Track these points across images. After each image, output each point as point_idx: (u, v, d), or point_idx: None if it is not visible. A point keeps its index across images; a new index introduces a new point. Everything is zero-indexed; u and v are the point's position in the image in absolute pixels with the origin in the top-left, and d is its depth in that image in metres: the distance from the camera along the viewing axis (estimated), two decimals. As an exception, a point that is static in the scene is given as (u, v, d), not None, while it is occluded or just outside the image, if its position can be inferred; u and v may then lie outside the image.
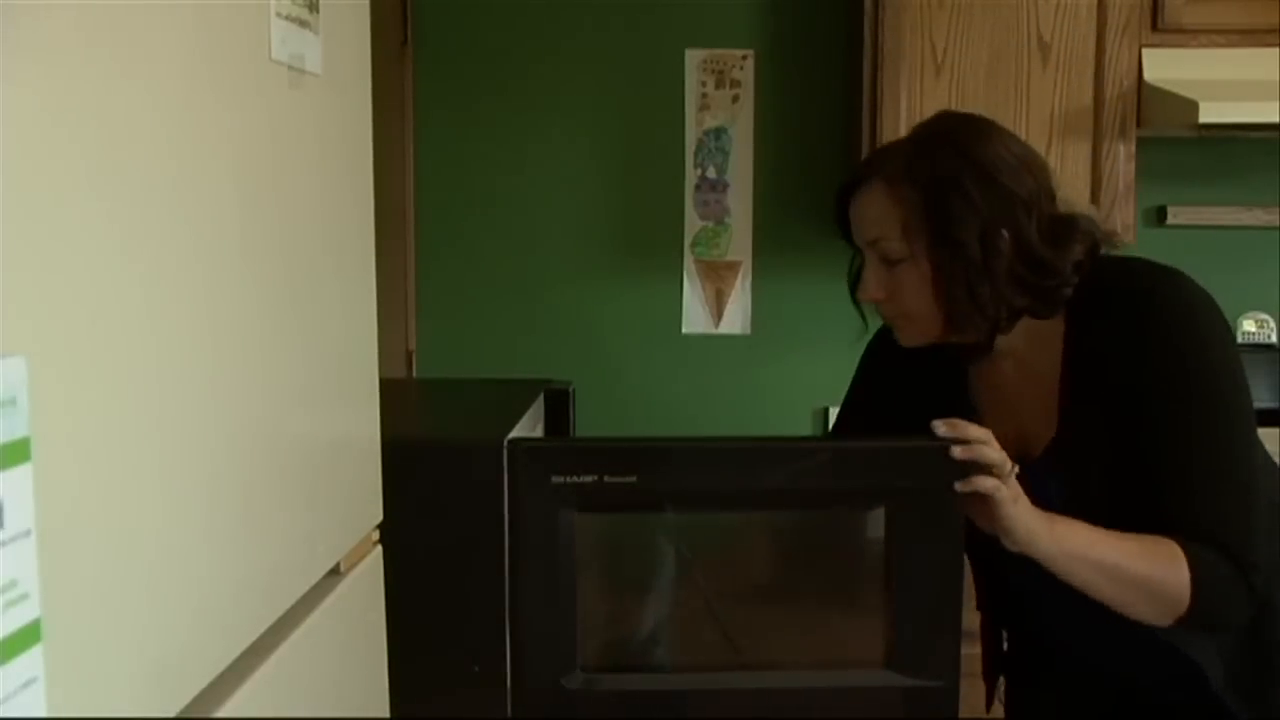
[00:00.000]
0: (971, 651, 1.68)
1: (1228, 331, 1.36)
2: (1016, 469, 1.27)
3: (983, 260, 1.30)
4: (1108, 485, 1.34)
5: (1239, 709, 1.38)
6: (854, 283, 1.46)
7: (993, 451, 1.25)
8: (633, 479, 1.34)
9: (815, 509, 1.40)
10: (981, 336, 1.35)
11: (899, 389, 1.52)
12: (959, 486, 1.26)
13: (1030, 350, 1.39)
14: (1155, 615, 1.30)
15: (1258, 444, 1.37)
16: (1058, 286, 1.33)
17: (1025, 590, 1.49)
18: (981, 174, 1.31)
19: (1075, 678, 1.55)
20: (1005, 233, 1.30)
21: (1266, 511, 1.33)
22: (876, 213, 1.35)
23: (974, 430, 1.26)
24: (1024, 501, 1.26)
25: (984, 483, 1.24)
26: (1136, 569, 1.28)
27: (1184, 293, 1.33)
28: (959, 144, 1.33)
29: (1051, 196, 1.35)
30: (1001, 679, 1.65)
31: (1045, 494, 1.31)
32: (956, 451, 1.25)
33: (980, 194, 1.30)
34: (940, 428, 1.26)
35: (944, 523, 1.32)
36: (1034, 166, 1.35)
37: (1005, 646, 1.64)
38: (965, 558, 1.52)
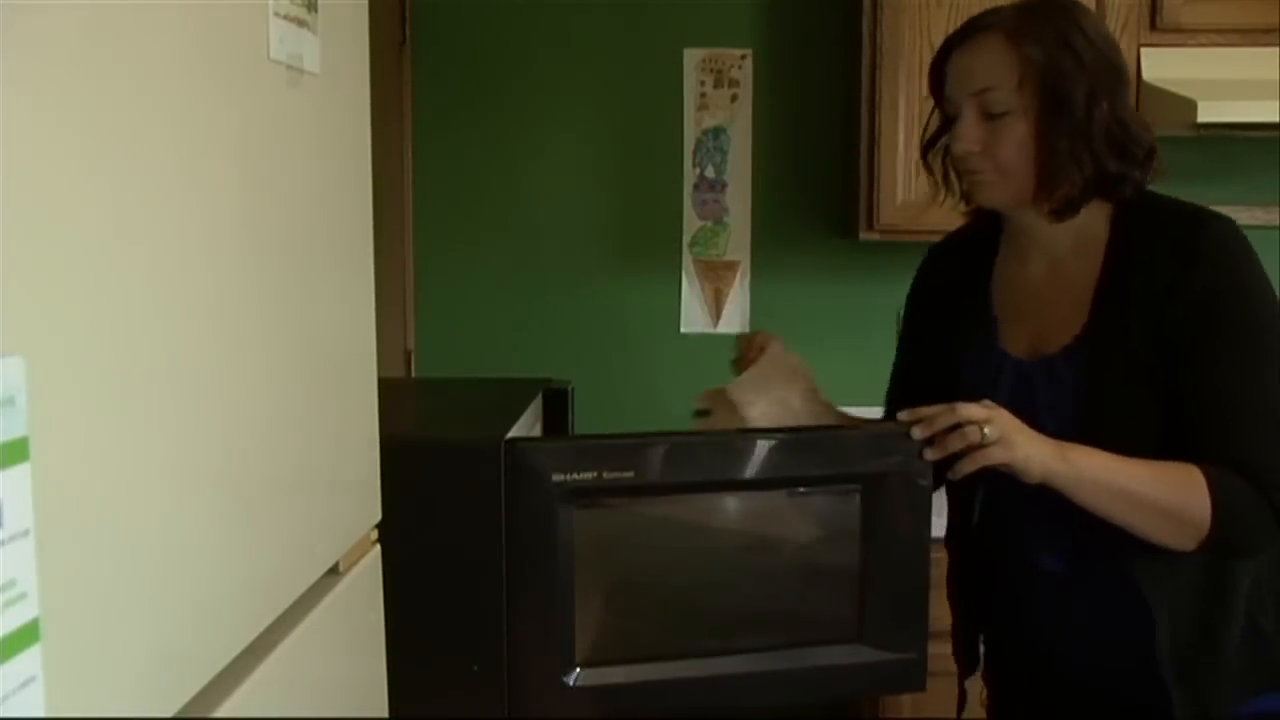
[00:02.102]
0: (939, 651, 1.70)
1: (1266, 276, 1.40)
2: (990, 420, 1.30)
3: (1085, 120, 1.36)
4: (1122, 385, 1.36)
5: (1171, 683, 1.38)
6: (928, 142, 1.51)
7: (954, 415, 1.30)
8: (630, 474, 1.38)
9: (797, 495, 1.46)
10: (1073, 194, 1.38)
11: (932, 307, 1.61)
12: (928, 455, 1.33)
13: (1073, 253, 1.43)
14: (1177, 539, 1.32)
15: None
16: (1145, 159, 1.39)
17: (1006, 575, 1.54)
18: (1089, 42, 1.38)
19: (1051, 677, 1.55)
20: (1104, 100, 1.36)
21: None
22: (992, 62, 1.38)
23: (928, 410, 1.33)
24: (1023, 436, 1.30)
25: (953, 442, 1.30)
26: (1156, 492, 1.31)
27: (1234, 231, 1.38)
28: (1071, 13, 1.40)
29: (1129, 84, 1.44)
30: (981, 685, 1.68)
31: (1057, 386, 1.37)
32: (915, 432, 1.33)
33: (1090, 59, 1.36)
34: (901, 415, 1.35)
35: (913, 503, 1.40)
36: (1120, 52, 1.44)
37: (982, 649, 1.66)
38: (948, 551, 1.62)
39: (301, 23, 0.91)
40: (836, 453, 1.44)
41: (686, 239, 2.93)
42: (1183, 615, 1.38)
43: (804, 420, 1.59)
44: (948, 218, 2.59)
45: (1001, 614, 1.60)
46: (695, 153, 2.91)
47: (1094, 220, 1.42)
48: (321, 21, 0.96)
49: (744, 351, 1.64)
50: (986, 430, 1.28)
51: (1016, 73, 1.37)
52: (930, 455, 1.33)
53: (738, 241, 2.93)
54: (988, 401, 1.32)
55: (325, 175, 1.01)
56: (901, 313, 1.73)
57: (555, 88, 2.90)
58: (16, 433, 0.54)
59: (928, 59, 2.55)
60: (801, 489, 1.45)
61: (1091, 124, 1.36)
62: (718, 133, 2.91)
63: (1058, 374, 1.40)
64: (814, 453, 1.43)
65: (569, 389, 2.11)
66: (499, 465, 1.49)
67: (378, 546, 1.17)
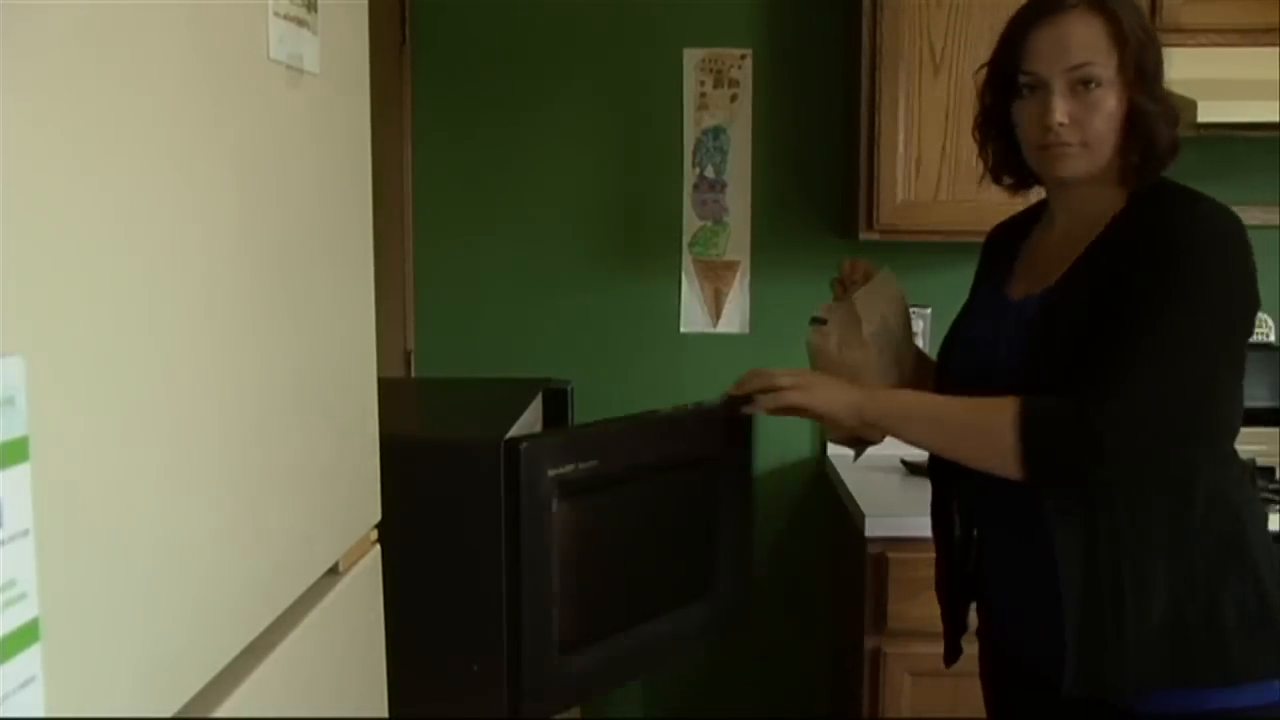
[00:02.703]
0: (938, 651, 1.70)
1: (1242, 270, 1.45)
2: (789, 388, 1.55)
3: (1161, 91, 1.48)
4: (1068, 328, 1.44)
5: (1079, 662, 1.42)
6: (987, 115, 1.58)
7: (746, 383, 1.59)
8: (595, 463, 1.49)
9: (676, 472, 1.66)
10: (1156, 158, 1.48)
11: (985, 266, 1.74)
12: (745, 409, 1.59)
13: (1089, 223, 1.51)
14: (987, 460, 1.44)
15: (1227, 366, 1.46)
16: (1177, 145, 1.51)
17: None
18: (1149, 22, 1.54)
19: (1025, 676, 1.58)
20: (1162, 73, 1.49)
21: (1182, 405, 1.41)
22: (1087, 37, 1.45)
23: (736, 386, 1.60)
24: (824, 387, 1.55)
25: (751, 383, 1.58)
26: (958, 415, 1.48)
27: (1225, 217, 1.46)
28: (1135, 3, 1.53)
29: None
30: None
31: (1022, 321, 1.50)
32: (731, 389, 1.61)
33: (1154, 36, 1.50)
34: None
35: (737, 475, 1.72)
36: None
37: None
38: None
39: (301, 23, 0.91)
40: (686, 435, 1.66)
41: (686, 239, 2.93)
42: (1093, 592, 1.42)
43: (900, 341, 1.75)
44: (947, 218, 2.60)
45: (982, 612, 1.67)
46: (695, 153, 2.91)
47: (1116, 199, 1.50)
48: (321, 21, 0.96)
49: (847, 274, 1.77)
50: (781, 380, 1.55)
51: (1111, 47, 1.44)
52: (746, 409, 1.59)
53: (737, 241, 2.93)
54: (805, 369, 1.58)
55: (325, 175, 1.01)
56: None
57: (555, 88, 2.90)
58: (16, 433, 0.54)
59: (928, 59, 2.59)
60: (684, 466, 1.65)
61: (1165, 104, 1.48)
62: (717, 133, 2.91)
63: (1026, 312, 1.51)
64: (673, 433, 1.65)
65: (569, 389, 2.10)
66: (499, 465, 1.49)
67: (378, 546, 1.17)
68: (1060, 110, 1.44)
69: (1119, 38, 1.44)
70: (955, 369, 1.62)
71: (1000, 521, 1.57)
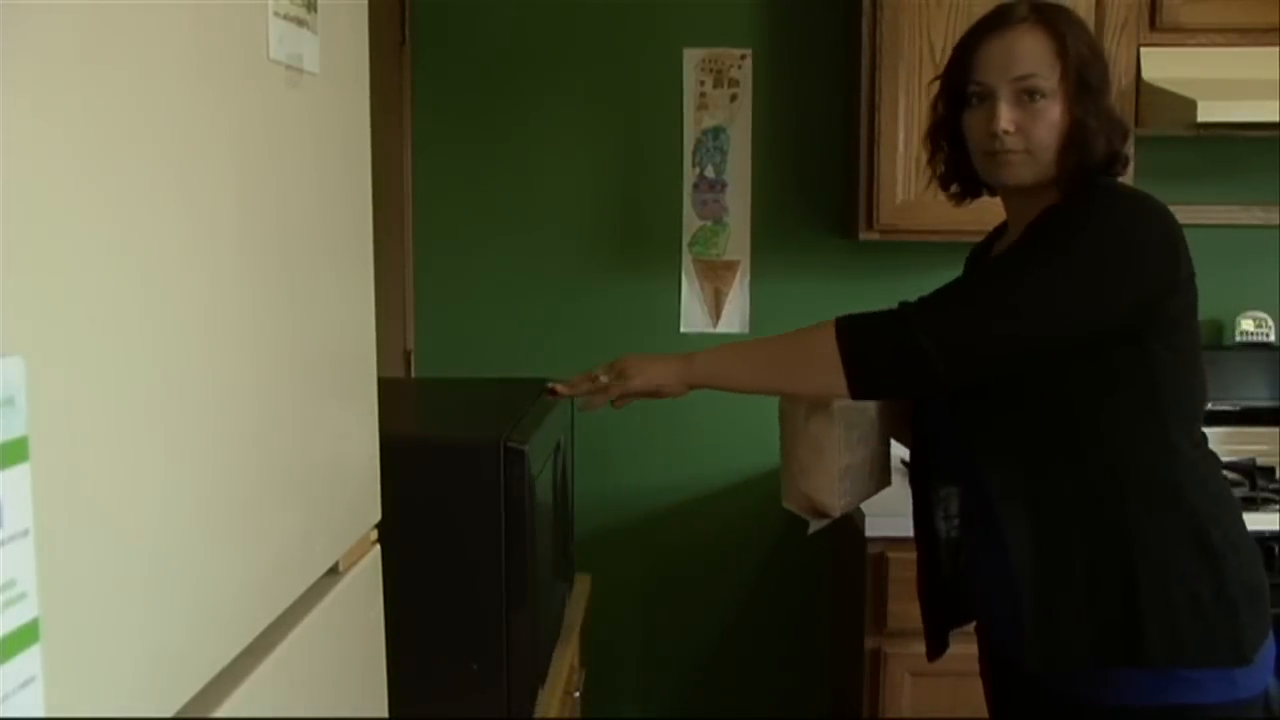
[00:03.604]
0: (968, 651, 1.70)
1: (1130, 236, 1.48)
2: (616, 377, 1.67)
3: (1103, 104, 1.53)
4: None
5: (1037, 641, 1.48)
6: (938, 125, 1.64)
7: (585, 375, 1.73)
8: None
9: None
10: (1091, 166, 1.52)
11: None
12: (582, 407, 1.76)
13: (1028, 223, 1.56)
14: (817, 379, 1.55)
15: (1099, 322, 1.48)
16: (1124, 140, 1.56)
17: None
18: (1094, 40, 1.59)
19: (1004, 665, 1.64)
20: (1108, 88, 1.55)
21: (1010, 325, 1.47)
22: (1034, 50, 1.52)
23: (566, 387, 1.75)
24: (640, 367, 1.68)
25: (581, 385, 1.73)
26: (779, 347, 1.60)
27: (1130, 199, 1.51)
28: (1076, 15, 1.59)
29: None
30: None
31: None
32: (560, 389, 1.77)
33: (1099, 53, 1.57)
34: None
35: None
36: None
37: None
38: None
39: (301, 22, 0.91)
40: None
41: (686, 239, 2.93)
42: (1043, 575, 1.48)
43: (871, 421, 1.77)
44: (947, 218, 2.60)
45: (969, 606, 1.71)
46: (695, 152, 2.91)
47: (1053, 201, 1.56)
48: (321, 21, 0.96)
49: None
50: (602, 376, 1.67)
51: (1055, 60, 1.51)
52: (582, 408, 1.74)
53: (737, 241, 2.93)
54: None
55: (325, 175, 1.01)
56: None
57: (555, 88, 2.90)
58: (16, 433, 0.54)
59: (928, 59, 2.58)
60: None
61: (1107, 116, 1.53)
62: (717, 132, 2.91)
63: None
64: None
65: (569, 389, 2.10)
66: (499, 465, 1.49)
67: (377, 546, 1.17)
68: (1005, 118, 1.51)
69: (1062, 53, 1.51)
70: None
71: (969, 519, 1.63)
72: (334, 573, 1.04)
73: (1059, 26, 1.52)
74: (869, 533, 2.39)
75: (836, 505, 1.66)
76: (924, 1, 2.54)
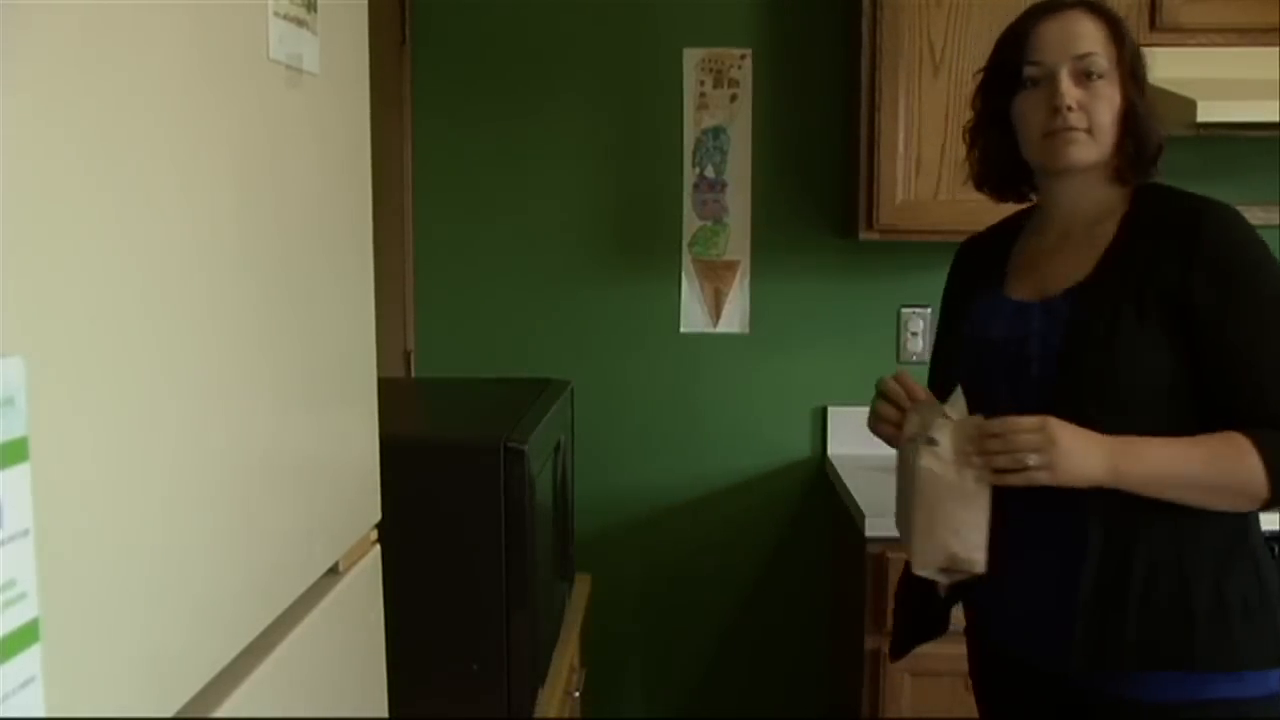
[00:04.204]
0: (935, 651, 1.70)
1: (1270, 251, 1.50)
2: (1037, 459, 1.41)
3: (1151, 104, 1.54)
4: (1109, 324, 1.47)
5: (1086, 639, 1.45)
6: (985, 114, 1.61)
7: (1005, 444, 1.42)
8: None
9: None
10: (1149, 153, 1.54)
11: (964, 278, 1.76)
12: (989, 480, 1.45)
13: (1088, 223, 1.56)
14: (1237, 505, 1.44)
15: None
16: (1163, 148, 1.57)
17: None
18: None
19: (1012, 663, 1.60)
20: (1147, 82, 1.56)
21: None
22: (1091, 31, 1.52)
23: (992, 429, 1.44)
24: (1069, 458, 1.40)
25: (1001, 462, 1.42)
26: (1209, 472, 1.42)
27: (1236, 213, 1.51)
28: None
29: None
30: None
31: (1052, 318, 1.51)
32: (975, 460, 1.45)
33: (1144, 60, 1.57)
34: (988, 426, 1.45)
35: None
36: None
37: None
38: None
39: (301, 22, 0.91)
40: None
41: (686, 239, 2.93)
42: (1105, 574, 1.45)
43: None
44: (947, 218, 2.60)
45: (972, 612, 1.69)
46: (695, 152, 2.91)
47: (1113, 197, 1.56)
48: (321, 21, 0.96)
49: (904, 389, 1.61)
50: (1032, 459, 1.40)
51: (1111, 44, 1.52)
52: (991, 480, 1.45)
53: (737, 241, 2.93)
54: (1045, 422, 1.41)
55: (325, 175, 1.01)
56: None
57: (555, 88, 2.90)
58: (16, 433, 0.54)
59: (928, 59, 2.58)
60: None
61: (1151, 100, 1.54)
62: (717, 132, 2.91)
63: (1054, 309, 1.52)
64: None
65: (569, 388, 2.11)
66: (499, 465, 1.49)
67: (378, 546, 1.17)
68: (1070, 94, 1.49)
69: (1117, 38, 1.52)
70: (967, 370, 1.61)
71: (1019, 518, 1.54)
72: (334, 573, 1.04)
73: (1111, 13, 1.54)
74: (869, 533, 2.39)
75: (985, 559, 1.52)
76: (924, 1, 2.54)
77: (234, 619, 0.82)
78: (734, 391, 2.96)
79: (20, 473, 0.54)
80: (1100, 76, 1.50)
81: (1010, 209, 1.73)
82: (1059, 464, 1.40)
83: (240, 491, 0.82)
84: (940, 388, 1.65)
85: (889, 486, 2.76)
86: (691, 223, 2.92)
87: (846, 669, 2.68)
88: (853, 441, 2.93)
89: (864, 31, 2.61)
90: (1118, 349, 1.44)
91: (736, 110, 2.90)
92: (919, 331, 2.93)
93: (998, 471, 1.43)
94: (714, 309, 2.94)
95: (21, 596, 0.54)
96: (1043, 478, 1.40)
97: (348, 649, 1.08)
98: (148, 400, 0.68)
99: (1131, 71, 1.52)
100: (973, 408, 1.55)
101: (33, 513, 0.55)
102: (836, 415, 2.95)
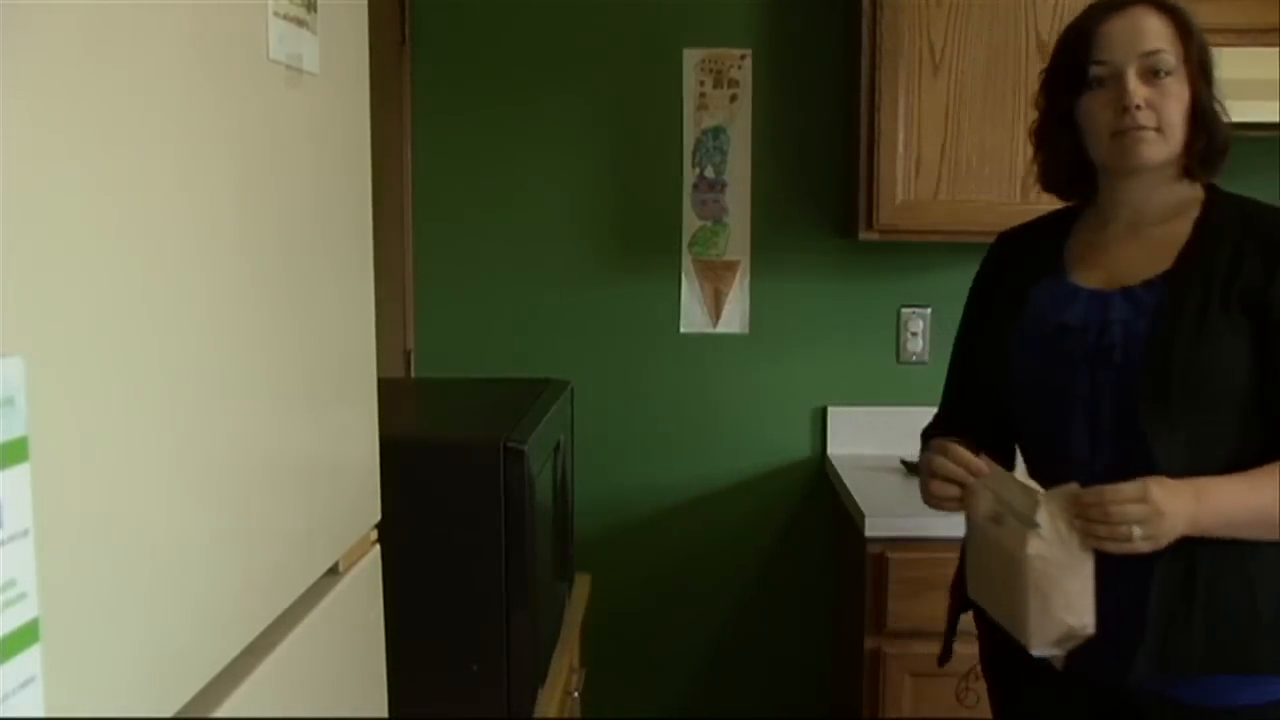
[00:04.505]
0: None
1: None
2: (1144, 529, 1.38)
3: (1218, 99, 1.52)
4: (1197, 316, 1.46)
5: (1155, 644, 1.44)
6: (1052, 113, 1.58)
7: (1107, 513, 1.39)
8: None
9: None
10: (1218, 149, 1.52)
11: (1009, 268, 1.68)
12: (1085, 546, 1.41)
13: (1160, 220, 1.55)
14: None
15: None
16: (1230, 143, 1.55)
17: None
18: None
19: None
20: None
21: None
22: (1158, 28, 1.50)
23: (1087, 499, 1.41)
24: (1167, 524, 1.38)
25: (1100, 531, 1.39)
26: (1272, 498, 1.41)
27: None
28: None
29: None
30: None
31: (1135, 306, 1.50)
32: (1075, 524, 1.41)
33: (1211, 53, 1.54)
34: (1085, 496, 1.41)
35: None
36: None
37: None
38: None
39: (301, 22, 0.91)
40: None
41: (686, 239, 2.93)
42: (1174, 564, 1.43)
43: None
44: (947, 218, 2.60)
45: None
46: (695, 153, 2.91)
47: (1183, 194, 1.55)
48: (321, 21, 0.96)
49: (969, 468, 1.55)
50: (1138, 531, 1.37)
51: (1178, 40, 1.49)
52: (1091, 546, 1.41)
53: (737, 241, 2.93)
54: (1146, 490, 1.38)
55: (324, 175, 1.01)
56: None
57: (555, 88, 2.90)
58: (16, 433, 0.54)
59: (928, 59, 2.59)
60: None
61: (1218, 95, 1.52)
62: (717, 133, 2.91)
63: (1136, 297, 1.51)
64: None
65: (569, 388, 2.11)
66: (499, 465, 1.49)
67: (378, 546, 1.17)
68: (1138, 93, 1.47)
69: (1184, 33, 1.49)
70: (1037, 354, 1.57)
71: None
72: (334, 573, 1.04)
73: (1175, 9, 1.51)
74: (869, 533, 2.39)
75: (1094, 618, 1.46)
76: (924, 1, 2.54)
77: (234, 619, 0.82)
78: (734, 391, 2.96)
79: (20, 473, 0.54)
80: (1168, 74, 1.48)
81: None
82: (1163, 534, 1.38)
83: (240, 491, 0.82)
84: (968, 383, 1.65)
85: (889, 487, 2.77)
86: (691, 223, 2.92)
87: (846, 669, 2.68)
88: (853, 441, 2.94)
89: (864, 31, 2.61)
90: (1205, 338, 1.44)
91: (736, 110, 2.90)
92: (919, 331, 2.93)
93: (1098, 538, 1.39)
94: (714, 309, 2.94)
95: (21, 596, 0.54)
96: (1145, 547, 1.38)
97: (348, 649, 1.08)
98: (147, 400, 0.68)
99: (1200, 66, 1.49)
100: (1042, 393, 1.54)
101: (33, 513, 0.55)
102: (836, 415, 2.95)
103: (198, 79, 0.75)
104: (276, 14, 0.87)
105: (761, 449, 2.97)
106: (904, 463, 2.75)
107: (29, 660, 0.55)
